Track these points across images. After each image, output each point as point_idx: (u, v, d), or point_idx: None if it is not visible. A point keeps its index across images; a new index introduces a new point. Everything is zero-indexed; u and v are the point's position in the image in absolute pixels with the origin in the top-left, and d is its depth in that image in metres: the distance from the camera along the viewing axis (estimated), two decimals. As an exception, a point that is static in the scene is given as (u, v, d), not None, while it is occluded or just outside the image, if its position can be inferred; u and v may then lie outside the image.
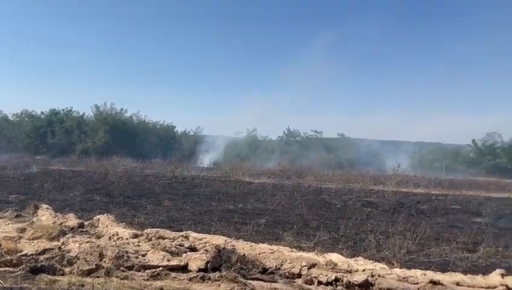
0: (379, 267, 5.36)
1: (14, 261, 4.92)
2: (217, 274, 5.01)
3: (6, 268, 4.77)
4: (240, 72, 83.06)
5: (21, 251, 5.33)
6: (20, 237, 6.04)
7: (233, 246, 5.86)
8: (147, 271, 4.92)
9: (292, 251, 5.85)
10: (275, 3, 75.81)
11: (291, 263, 5.40)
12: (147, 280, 4.72)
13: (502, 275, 5.22)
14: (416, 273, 5.12)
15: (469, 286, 4.98)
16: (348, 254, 6.06)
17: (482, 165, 34.93)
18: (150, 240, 6.19)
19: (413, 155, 42.46)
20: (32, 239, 5.97)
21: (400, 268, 5.37)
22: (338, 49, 68.16)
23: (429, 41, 72.54)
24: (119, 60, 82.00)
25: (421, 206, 11.45)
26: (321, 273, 5.10)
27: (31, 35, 78.94)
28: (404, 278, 5.04)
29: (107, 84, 74.98)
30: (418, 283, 4.91)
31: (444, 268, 5.55)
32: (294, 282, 5.04)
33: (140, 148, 33.10)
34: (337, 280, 4.97)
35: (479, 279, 5.16)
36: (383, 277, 5.04)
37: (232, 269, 5.13)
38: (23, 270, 4.70)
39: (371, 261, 5.65)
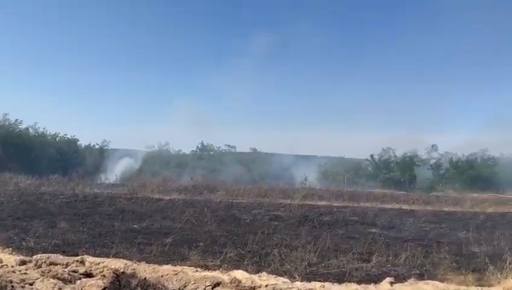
0: (281, 281, 5.49)
1: None
2: (113, 301, 4.70)
3: None
4: (154, 83, 79.50)
5: None
6: None
7: (134, 269, 5.56)
8: (32, 303, 4.43)
9: (197, 271, 5.73)
10: (204, 7, 73.61)
11: (195, 283, 5.28)
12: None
13: (391, 283, 5.69)
14: (316, 286, 5.35)
15: (362, 295, 5.33)
16: (253, 269, 6.11)
17: (379, 178, 38.23)
18: (40, 266, 5.60)
19: (319, 169, 44.98)
20: None
21: (301, 281, 5.57)
22: (256, 64, 69.27)
23: (336, 59, 77.32)
24: (15, 65, 73.87)
25: (323, 218, 12.09)
26: (225, 292, 5.07)
27: None
28: (304, 291, 5.22)
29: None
30: (316, 295, 5.12)
31: (341, 279, 5.89)
32: (198, 303, 4.93)
33: (37, 164, 30.22)
34: (240, 297, 4.97)
35: (371, 288, 5.56)
36: (284, 291, 5.17)
37: (131, 294, 4.85)
38: None
39: (274, 275, 5.77)
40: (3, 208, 11.72)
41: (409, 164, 38.51)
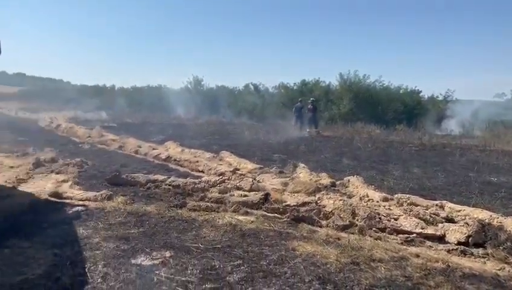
0: None
1: (281, 210, 5.70)
2: (480, 251, 4.44)
3: (275, 214, 5.58)
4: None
5: (285, 202, 6.12)
6: (284, 190, 6.92)
7: (500, 223, 5.04)
8: (400, 235, 4.81)
9: None
10: None
11: None
12: (401, 244, 4.61)
13: None
14: None
15: None
16: None
17: None
18: (401, 205, 6.02)
19: None
20: (293, 192, 6.74)
21: None
22: None
23: None
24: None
25: None
26: None
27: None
28: None
29: (350, 53, 75.36)
30: None
31: None
32: None
33: (383, 115, 32.52)
34: None
35: None
36: None
37: (501, 248, 4.42)
38: (288, 218, 5.40)
39: None
40: (361, 152, 13.33)
41: None
